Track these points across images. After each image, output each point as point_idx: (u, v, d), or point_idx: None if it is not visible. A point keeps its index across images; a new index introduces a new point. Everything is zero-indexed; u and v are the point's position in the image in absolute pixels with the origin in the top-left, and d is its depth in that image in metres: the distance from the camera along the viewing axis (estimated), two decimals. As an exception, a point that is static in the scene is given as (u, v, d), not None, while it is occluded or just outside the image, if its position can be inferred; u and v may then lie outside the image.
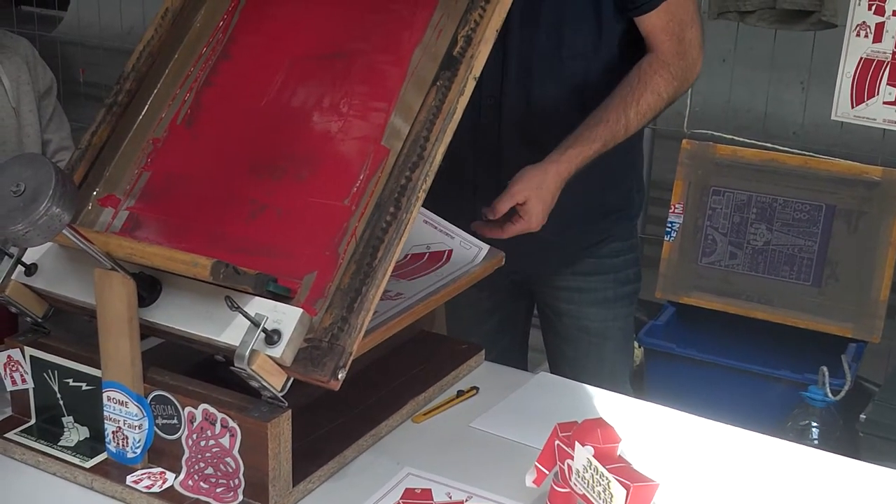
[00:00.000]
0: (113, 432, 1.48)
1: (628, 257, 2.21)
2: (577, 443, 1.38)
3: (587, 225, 2.13)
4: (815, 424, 2.80)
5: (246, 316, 1.36)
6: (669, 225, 3.18)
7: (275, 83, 1.68)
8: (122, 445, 1.48)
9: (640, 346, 3.15)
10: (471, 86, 1.54)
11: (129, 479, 1.46)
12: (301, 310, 1.41)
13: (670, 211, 3.19)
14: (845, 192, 3.04)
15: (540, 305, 2.29)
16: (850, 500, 1.54)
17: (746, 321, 3.09)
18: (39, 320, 1.60)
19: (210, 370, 1.57)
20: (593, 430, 1.38)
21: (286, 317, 1.40)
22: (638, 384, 3.16)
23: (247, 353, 1.35)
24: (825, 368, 2.78)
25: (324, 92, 1.64)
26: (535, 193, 1.80)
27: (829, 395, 2.77)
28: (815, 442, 2.76)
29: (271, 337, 1.38)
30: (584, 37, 1.93)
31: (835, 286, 3.03)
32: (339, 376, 1.38)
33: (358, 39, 1.67)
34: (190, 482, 1.46)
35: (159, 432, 1.47)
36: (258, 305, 1.41)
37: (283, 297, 1.45)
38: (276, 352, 1.38)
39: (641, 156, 2.25)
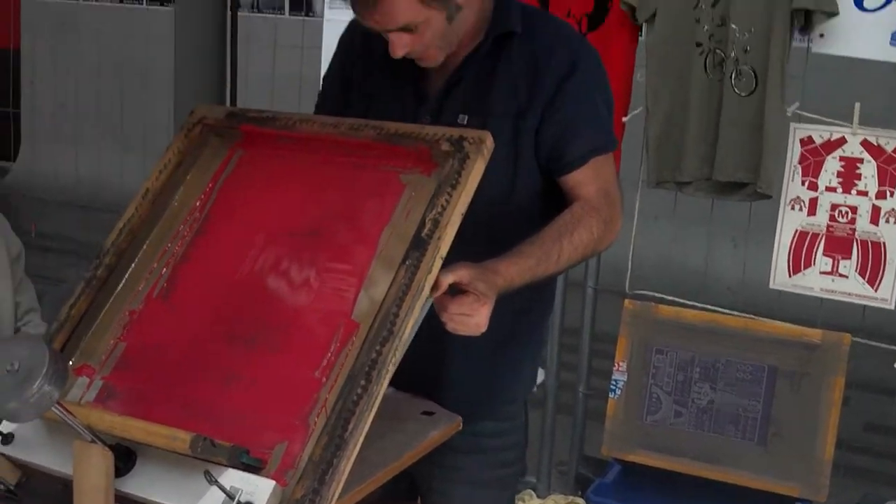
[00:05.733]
0: None
1: (509, 439, 2.13)
2: None
3: (473, 405, 2.03)
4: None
5: (222, 490, 1.41)
6: (614, 383, 3.26)
7: (249, 257, 1.77)
8: None
9: (588, 505, 3.19)
10: (438, 265, 1.64)
11: None
12: (273, 482, 1.46)
13: (615, 368, 3.28)
14: (786, 353, 3.16)
15: (415, 479, 2.13)
16: None
17: (694, 479, 3.15)
18: (12, 488, 1.62)
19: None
20: None
21: (259, 489, 1.45)
22: (588, 543, 3.19)
23: (222, 526, 1.40)
24: (773, 528, 2.84)
25: (296, 267, 1.73)
26: (478, 276, 1.74)
27: (777, 554, 2.83)
28: None
29: (245, 509, 1.43)
30: (498, 186, 1.93)
31: (780, 445, 3.12)
32: (311, 547, 1.43)
33: (330, 218, 1.78)
34: None
35: None
36: (232, 477, 1.46)
37: (255, 467, 1.50)
38: (250, 524, 1.42)
39: (541, 346, 2.22)
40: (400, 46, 1.86)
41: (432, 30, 1.86)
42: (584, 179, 1.96)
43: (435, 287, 1.71)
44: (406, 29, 1.84)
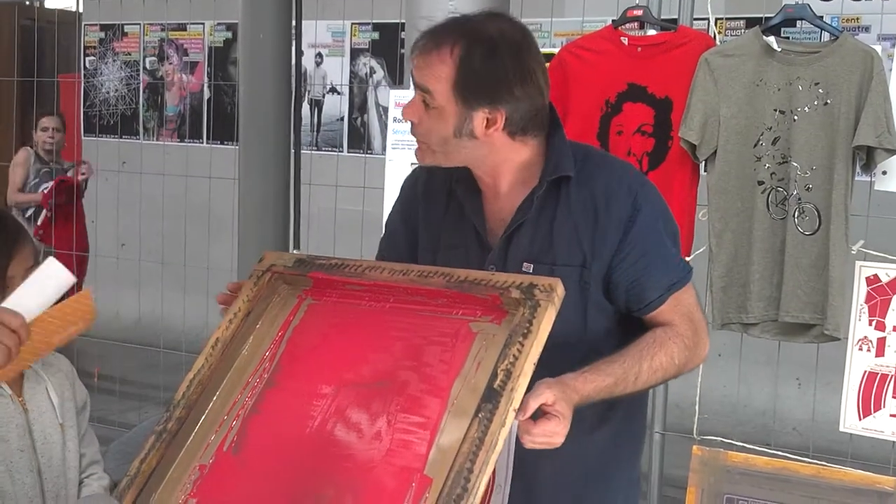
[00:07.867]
0: None
1: None
2: None
3: None
4: None
5: None
6: (686, 532, 3.16)
7: (319, 410, 1.75)
8: None
9: None
10: (511, 417, 1.61)
11: None
12: None
13: (686, 521, 3.17)
14: (860, 501, 3.04)
15: None
16: None
17: None
18: None
19: None
20: None
21: None
22: None
23: None
24: None
25: (367, 420, 1.70)
26: (560, 396, 1.74)
27: None
28: None
29: None
30: (569, 328, 1.91)
31: None
32: None
33: (399, 368, 1.76)
34: None
35: None
36: None
37: None
38: None
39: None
40: (410, 109, 1.92)
41: (438, 122, 1.90)
42: (666, 310, 1.97)
43: (521, 411, 1.70)
44: (426, 97, 1.89)
